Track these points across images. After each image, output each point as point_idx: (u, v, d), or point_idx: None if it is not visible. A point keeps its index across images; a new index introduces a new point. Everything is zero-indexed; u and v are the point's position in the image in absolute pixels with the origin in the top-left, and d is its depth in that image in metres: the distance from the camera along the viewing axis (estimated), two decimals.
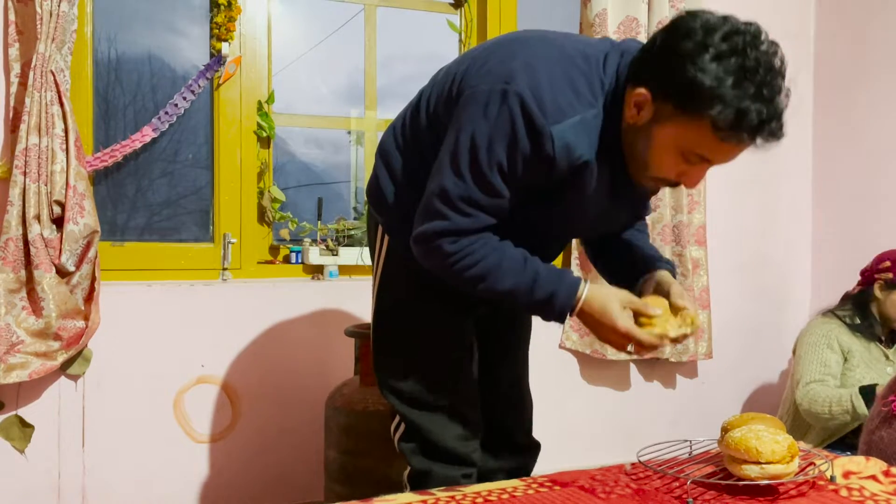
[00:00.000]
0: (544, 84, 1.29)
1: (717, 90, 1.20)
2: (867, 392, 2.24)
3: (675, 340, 1.42)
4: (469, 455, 1.62)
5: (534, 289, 1.39)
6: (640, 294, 1.50)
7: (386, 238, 1.58)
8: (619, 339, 1.40)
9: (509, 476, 1.73)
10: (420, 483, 1.61)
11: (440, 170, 1.37)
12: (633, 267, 1.57)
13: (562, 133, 1.29)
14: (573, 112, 1.30)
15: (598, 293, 1.39)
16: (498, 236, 1.41)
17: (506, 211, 1.38)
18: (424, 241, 1.40)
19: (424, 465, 1.61)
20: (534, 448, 1.83)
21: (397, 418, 1.65)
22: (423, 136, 1.50)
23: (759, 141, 1.26)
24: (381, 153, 1.57)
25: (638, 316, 1.41)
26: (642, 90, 1.28)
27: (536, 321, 1.79)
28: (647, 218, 2.88)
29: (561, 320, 1.43)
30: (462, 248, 1.37)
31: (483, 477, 1.76)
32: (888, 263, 2.52)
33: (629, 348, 1.42)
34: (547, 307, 1.40)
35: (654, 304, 1.43)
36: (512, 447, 1.77)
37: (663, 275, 1.52)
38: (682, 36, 1.23)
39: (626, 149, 1.36)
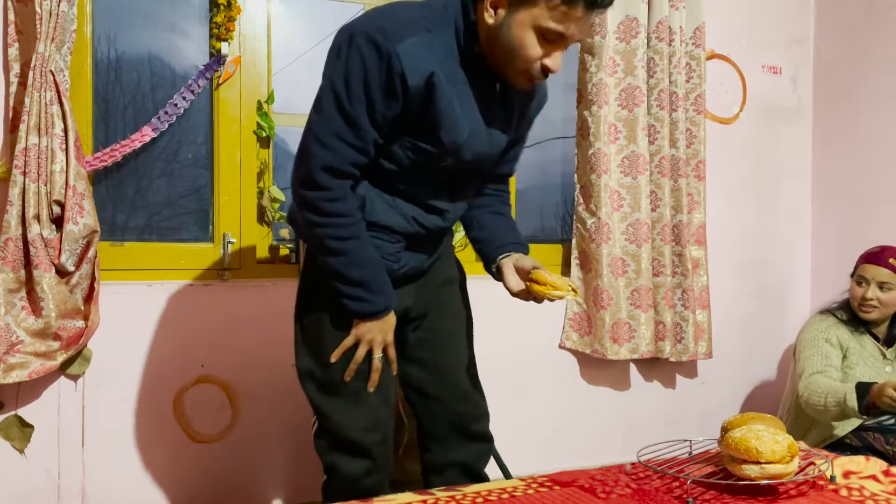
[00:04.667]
0: (384, 17, 1.48)
1: None
2: (861, 388, 2.24)
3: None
4: (369, 447, 1.66)
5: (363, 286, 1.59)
6: (500, 273, 1.69)
7: (303, 245, 1.75)
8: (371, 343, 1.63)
9: (462, 471, 1.78)
10: (330, 481, 1.69)
11: (311, 118, 1.53)
12: (488, 252, 1.74)
13: (406, 49, 1.44)
14: (413, 33, 1.46)
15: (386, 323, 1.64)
16: (388, 180, 1.59)
17: (370, 146, 1.51)
18: (300, 184, 1.54)
19: (330, 459, 1.68)
20: (487, 439, 1.84)
21: (314, 415, 1.71)
22: None
23: (591, 5, 1.43)
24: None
25: (533, 283, 1.60)
26: None
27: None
28: (646, 217, 2.90)
29: (354, 315, 1.61)
30: (335, 213, 1.52)
31: (435, 471, 1.81)
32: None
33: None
34: (357, 300, 1.59)
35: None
36: (465, 436, 1.80)
37: (519, 258, 1.68)
38: None
39: (496, 55, 1.51)
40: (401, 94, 1.46)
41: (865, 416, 2.31)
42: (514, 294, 1.66)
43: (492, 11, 1.49)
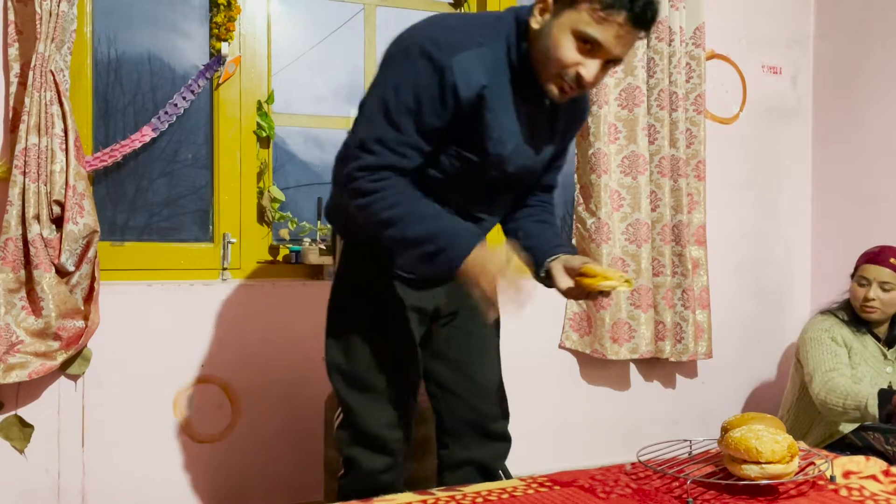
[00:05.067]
0: (439, 29, 1.51)
1: None
2: (883, 395, 2.24)
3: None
4: (390, 443, 1.68)
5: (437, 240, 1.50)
6: (549, 276, 1.62)
7: (339, 242, 1.76)
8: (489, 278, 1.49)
9: (478, 470, 1.78)
10: (347, 474, 1.71)
11: (356, 122, 1.57)
12: (536, 258, 1.68)
13: (460, 62, 1.46)
14: (467, 46, 1.47)
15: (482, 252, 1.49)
16: (430, 186, 1.56)
17: (415, 154, 1.51)
18: (344, 183, 1.54)
19: (351, 453, 1.70)
20: (506, 440, 1.85)
21: (339, 407, 1.74)
22: None
23: (633, 18, 1.41)
24: (333, 173, 1.69)
25: (580, 277, 1.53)
26: None
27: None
28: (646, 217, 2.90)
29: (447, 270, 1.49)
30: (378, 189, 1.50)
31: (450, 468, 1.81)
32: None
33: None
34: (442, 255, 1.49)
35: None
36: (484, 435, 1.80)
37: (567, 258, 1.61)
38: None
39: (536, 59, 1.50)
40: (452, 105, 1.47)
41: (888, 425, 2.31)
42: (565, 294, 1.60)
43: (538, 17, 1.49)
